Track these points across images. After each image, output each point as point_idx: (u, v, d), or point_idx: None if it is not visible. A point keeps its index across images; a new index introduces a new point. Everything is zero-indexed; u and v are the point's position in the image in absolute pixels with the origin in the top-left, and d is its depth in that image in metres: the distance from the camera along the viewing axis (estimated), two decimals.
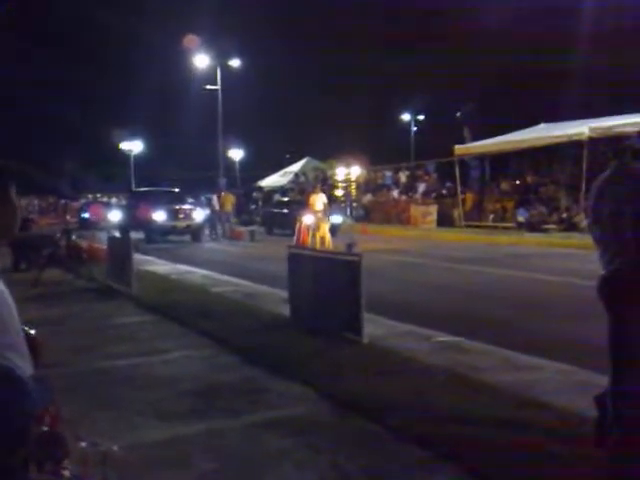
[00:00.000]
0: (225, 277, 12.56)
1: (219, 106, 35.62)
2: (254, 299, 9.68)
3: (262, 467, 3.95)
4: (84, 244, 15.28)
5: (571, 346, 6.54)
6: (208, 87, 36.07)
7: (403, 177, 32.12)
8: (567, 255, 14.68)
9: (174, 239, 24.13)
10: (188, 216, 23.89)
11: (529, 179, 23.95)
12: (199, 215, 24.39)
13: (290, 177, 37.63)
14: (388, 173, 32.91)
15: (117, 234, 12.65)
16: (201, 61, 35.82)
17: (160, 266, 14.80)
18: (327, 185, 33.62)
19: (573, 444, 3.85)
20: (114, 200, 43.66)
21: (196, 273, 13.40)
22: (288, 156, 46.83)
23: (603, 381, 3.83)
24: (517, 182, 24.57)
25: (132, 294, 10.26)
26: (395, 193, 30.71)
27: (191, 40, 34.90)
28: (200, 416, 4.82)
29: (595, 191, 3.77)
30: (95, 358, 6.57)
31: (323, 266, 7.66)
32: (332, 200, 29.34)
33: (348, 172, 30.12)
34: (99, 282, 11.82)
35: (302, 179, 35.57)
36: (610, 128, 18.27)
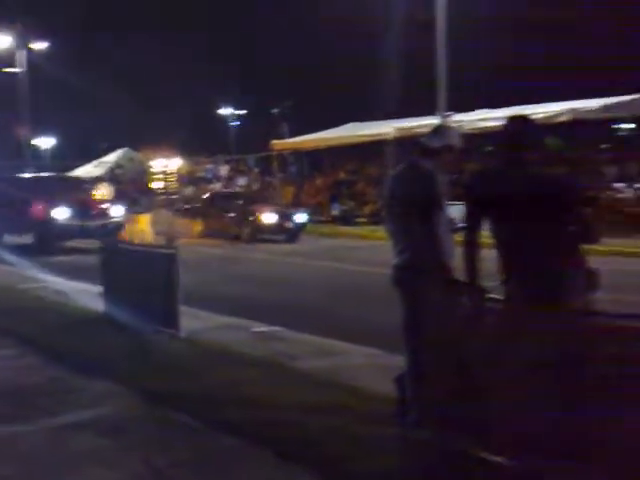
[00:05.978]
0: (33, 273, 11.79)
1: (21, 91, 32.89)
2: (65, 296, 9.21)
3: (69, 469, 3.81)
4: None
5: (378, 331, 6.95)
6: (7, 70, 33.12)
7: (224, 170, 32.05)
8: (373, 247, 15.33)
9: None
10: None
11: (342, 175, 25.14)
12: None
13: (105, 168, 35.91)
14: (209, 166, 32.66)
15: None
16: (3, 42, 32.85)
17: None
18: (145, 177, 32.64)
19: (376, 424, 4.12)
20: None
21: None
22: (106, 145, 44.64)
23: (403, 363, 4.14)
24: (330, 178, 25.64)
25: None
26: (217, 186, 30.57)
27: None
28: (2, 420, 4.55)
29: (387, 186, 4.11)
30: None
31: (139, 259, 7.49)
32: (149, 192, 28.59)
33: (166, 164, 29.56)
34: None
35: (119, 171, 34.19)
36: (412, 128, 19.50)
